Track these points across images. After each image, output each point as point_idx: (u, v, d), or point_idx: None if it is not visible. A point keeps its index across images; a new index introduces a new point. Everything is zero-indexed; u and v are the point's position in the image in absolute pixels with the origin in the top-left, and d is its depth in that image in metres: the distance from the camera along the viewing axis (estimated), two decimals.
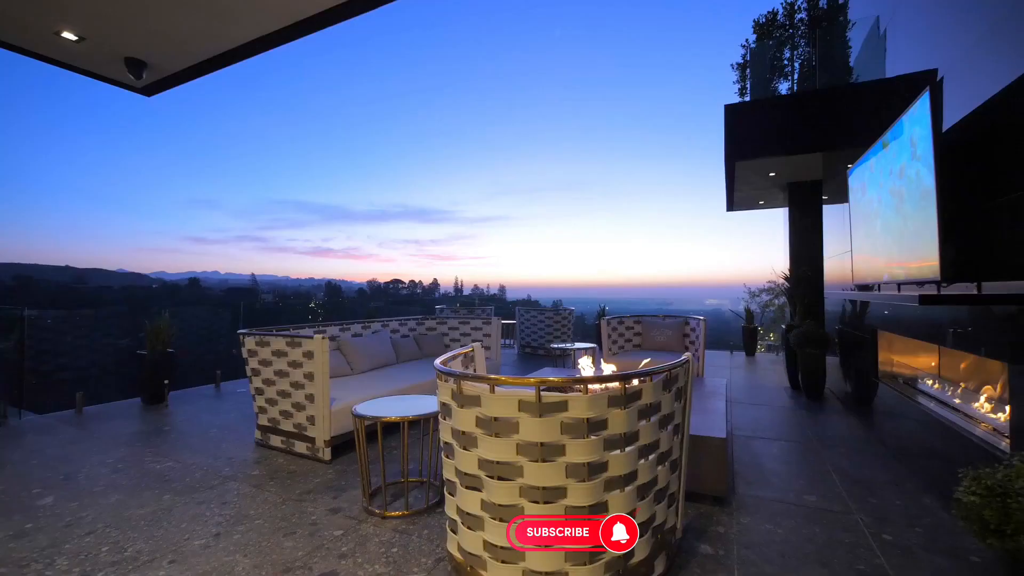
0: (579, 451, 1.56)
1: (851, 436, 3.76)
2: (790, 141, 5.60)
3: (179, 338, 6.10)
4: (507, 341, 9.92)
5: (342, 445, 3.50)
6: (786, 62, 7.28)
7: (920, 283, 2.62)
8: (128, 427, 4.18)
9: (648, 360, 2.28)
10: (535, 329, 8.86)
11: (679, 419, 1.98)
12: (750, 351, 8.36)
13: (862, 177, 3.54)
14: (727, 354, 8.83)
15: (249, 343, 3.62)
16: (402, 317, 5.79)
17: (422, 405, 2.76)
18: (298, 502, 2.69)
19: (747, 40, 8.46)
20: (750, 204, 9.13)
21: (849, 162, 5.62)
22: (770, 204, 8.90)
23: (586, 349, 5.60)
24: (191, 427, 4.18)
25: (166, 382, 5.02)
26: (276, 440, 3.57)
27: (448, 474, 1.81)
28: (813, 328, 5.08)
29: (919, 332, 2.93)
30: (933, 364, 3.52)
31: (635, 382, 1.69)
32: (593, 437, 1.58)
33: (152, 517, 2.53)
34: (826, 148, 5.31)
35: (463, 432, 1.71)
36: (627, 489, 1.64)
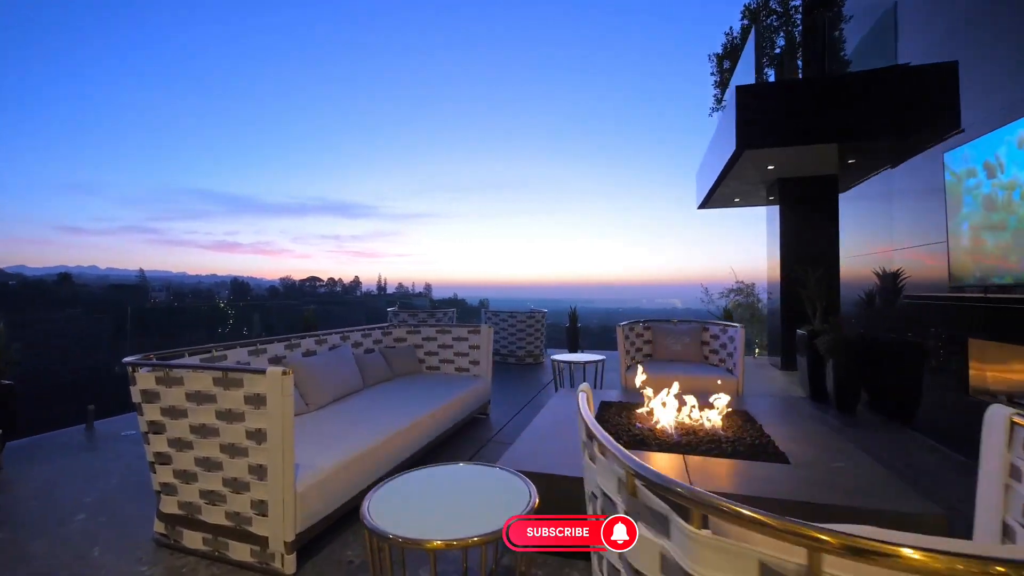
0: None
1: (948, 466, 3.20)
2: (815, 129, 5.10)
3: (31, 356, 4.26)
4: None
5: (310, 543, 2.22)
6: (778, 50, 6.94)
7: None
8: None
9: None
10: (504, 334, 7.82)
11: None
12: None
13: (982, 157, 2.97)
14: None
15: (144, 380, 2.19)
16: (365, 327, 4.46)
17: (486, 499, 1.61)
18: None
19: (731, 28, 8.09)
20: (725, 202, 8.79)
21: (859, 156, 5.27)
22: (747, 202, 8.61)
23: (595, 360, 4.68)
24: (38, 512, 2.61)
25: None
26: (194, 539, 2.18)
27: None
28: (840, 332, 4.59)
29: None
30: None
31: None
32: None
33: None
34: (864, 138, 4.86)
35: None
36: None
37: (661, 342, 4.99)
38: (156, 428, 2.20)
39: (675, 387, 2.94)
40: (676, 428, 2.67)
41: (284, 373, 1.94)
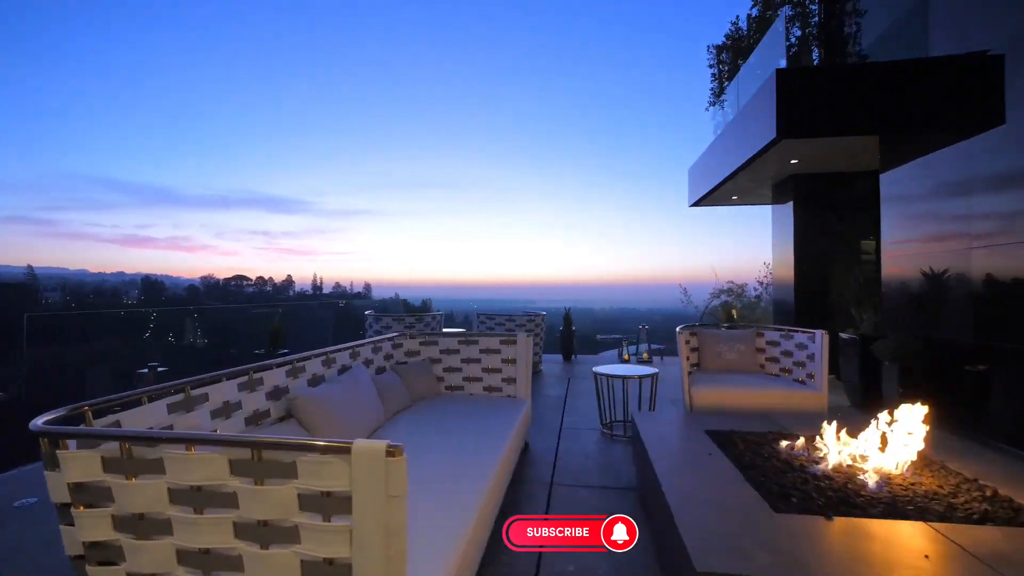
0: None
1: None
2: (863, 119, 4.75)
3: None
4: None
5: None
6: (794, 39, 6.65)
7: None
8: None
9: None
10: None
11: None
12: None
13: None
14: None
15: (79, 464, 1.14)
16: (374, 339, 3.45)
17: None
18: None
19: (737, 17, 7.74)
20: (723, 200, 8.50)
21: (898, 148, 4.98)
22: (745, 200, 8.35)
23: (648, 374, 3.97)
24: None
25: None
26: None
27: None
28: (906, 336, 4.24)
29: None
30: None
31: None
32: None
33: None
34: (921, 130, 4.56)
35: None
36: None
37: (711, 350, 4.38)
38: (104, 555, 1.16)
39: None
40: (880, 479, 1.98)
41: (391, 452, 1.01)
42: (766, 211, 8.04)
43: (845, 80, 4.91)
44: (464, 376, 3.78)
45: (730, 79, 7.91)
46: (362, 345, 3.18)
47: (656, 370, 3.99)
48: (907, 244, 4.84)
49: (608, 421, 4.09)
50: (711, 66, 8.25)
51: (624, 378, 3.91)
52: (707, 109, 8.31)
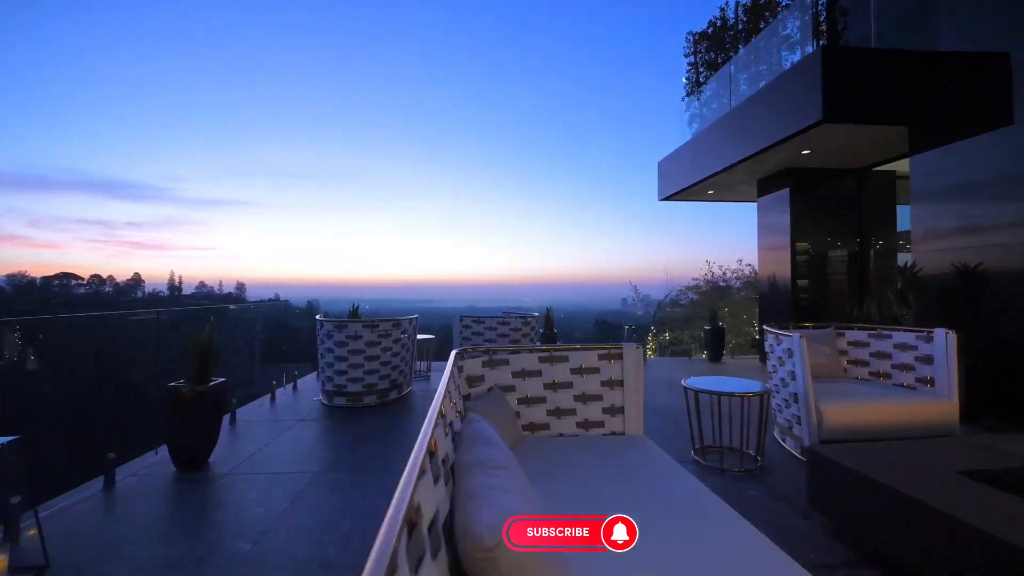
0: None
1: None
2: (916, 107, 4.55)
3: None
4: (421, 367, 6.31)
5: None
6: (797, 31, 6.49)
7: None
8: None
9: None
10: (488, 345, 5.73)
11: None
12: (715, 356, 7.35)
13: None
14: (686, 361, 7.68)
15: None
16: (446, 364, 2.11)
17: None
18: None
19: (726, 3, 7.45)
20: (698, 195, 8.22)
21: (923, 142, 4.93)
22: (721, 196, 8.17)
23: (757, 392, 3.16)
24: None
25: None
26: None
27: None
28: (968, 335, 4.05)
29: None
30: None
31: None
32: None
33: None
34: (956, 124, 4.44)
35: None
36: None
37: None
38: None
39: None
40: None
41: None
42: (706, 209, 7.97)
43: (898, 64, 4.67)
44: (548, 408, 2.61)
45: (709, 68, 7.67)
46: (449, 379, 1.85)
47: (764, 386, 3.19)
48: (954, 239, 4.74)
49: (703, 446, 3.23)
50: (687, 56, 7.93)
51: (742, 396, 3.04)
52: (683, 99, 7.98)
